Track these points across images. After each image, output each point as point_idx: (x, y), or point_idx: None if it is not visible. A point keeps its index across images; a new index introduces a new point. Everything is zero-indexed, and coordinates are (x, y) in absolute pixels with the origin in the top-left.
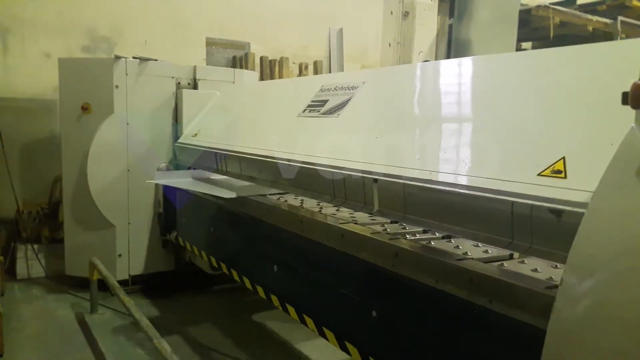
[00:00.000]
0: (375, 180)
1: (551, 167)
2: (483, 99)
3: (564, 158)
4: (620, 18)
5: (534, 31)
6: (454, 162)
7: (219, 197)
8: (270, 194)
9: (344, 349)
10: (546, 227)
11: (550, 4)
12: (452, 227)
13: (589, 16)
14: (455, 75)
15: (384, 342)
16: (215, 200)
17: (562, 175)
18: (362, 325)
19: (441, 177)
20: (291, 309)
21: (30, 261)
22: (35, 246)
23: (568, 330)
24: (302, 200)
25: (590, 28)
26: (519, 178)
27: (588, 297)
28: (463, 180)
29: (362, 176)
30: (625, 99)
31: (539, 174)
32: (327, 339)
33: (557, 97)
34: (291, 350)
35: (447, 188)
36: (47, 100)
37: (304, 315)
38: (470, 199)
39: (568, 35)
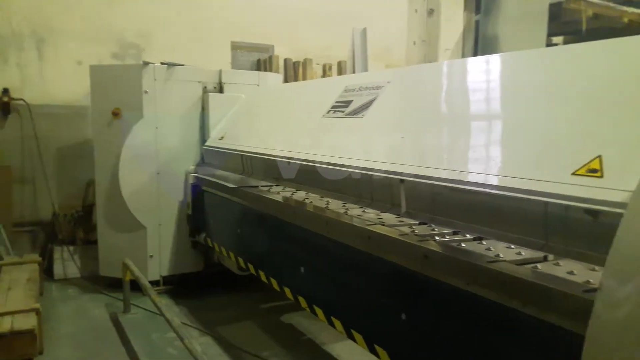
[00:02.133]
0: (402, 180)
1: (586, 166)
2: (513, 96)
3: (600, 157)
4: None
5: (565, 25)
6: (483, 161)
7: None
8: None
9: (373, 351)
10: (582, 228)
11: None
12: (483, 229)
13: (624, 7)
14: (483, 72)
15: (414, 345)
16: (242, 202)
17: (598, 174)
18: (391, 328)
19: (471, 177)
20: (319, 311)
21: (66, 262)
22: (71, 247)
23: (608, 336)
24: (328, 201)
25: (625, 20)
26: (552, 177)
27: (629, 301)
28: (494, 180)
29: (388, 177)
30: None
31: (573, 173)
32: (355, 341)
33: (591, 93)
34: (320, 351)
35: (477, 188)
36: (79, 106)
37: (332, 318)
38: (501, 199)
39: (602, 28)
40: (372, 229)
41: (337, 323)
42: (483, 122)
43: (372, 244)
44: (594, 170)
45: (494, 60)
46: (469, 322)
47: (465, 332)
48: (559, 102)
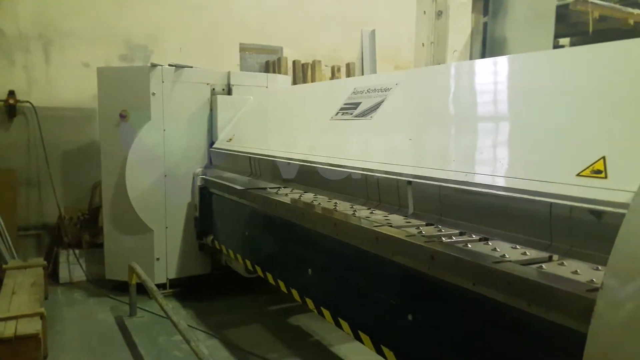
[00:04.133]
0: (410, 182)
1: (591, 167)
2: (519, 98)
3: (604, 157)
4: None
5: (572, 26)
6: (490, 163)
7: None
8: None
9: (380, 352)
10: (586, 229)
11: None
12: (489, 230)
13: (630, 9)
14: (491, 74)
15: (420, 346)
16: (250, 204)
17: (603, 175)
18: (398, 329)
19: (477, 179)
20: (326, 312)
21: (72, 266)
22: (77, 251)
23: (609, 334)
24: (336, 203)
25: (631, 22)
26: (557, 179)
27: (630, 300)
28: (500, 182)
29: (396, 178)
30: None
31: (578, 174)
32: (362, 342)
33: (596, 95)
34: (328, 352)
35: (483, 190)
36: (86, 108)
37: (339, 319)
38: (507, 200)
39: (608, 29)
40: (379, 230)
41: (344, 324)
42: (489, 124)
43: (380, 245)
44: (598, 171)
45: (501, 62)
46: (475, 322)
47: (471, 332)
48: (564, 103)
